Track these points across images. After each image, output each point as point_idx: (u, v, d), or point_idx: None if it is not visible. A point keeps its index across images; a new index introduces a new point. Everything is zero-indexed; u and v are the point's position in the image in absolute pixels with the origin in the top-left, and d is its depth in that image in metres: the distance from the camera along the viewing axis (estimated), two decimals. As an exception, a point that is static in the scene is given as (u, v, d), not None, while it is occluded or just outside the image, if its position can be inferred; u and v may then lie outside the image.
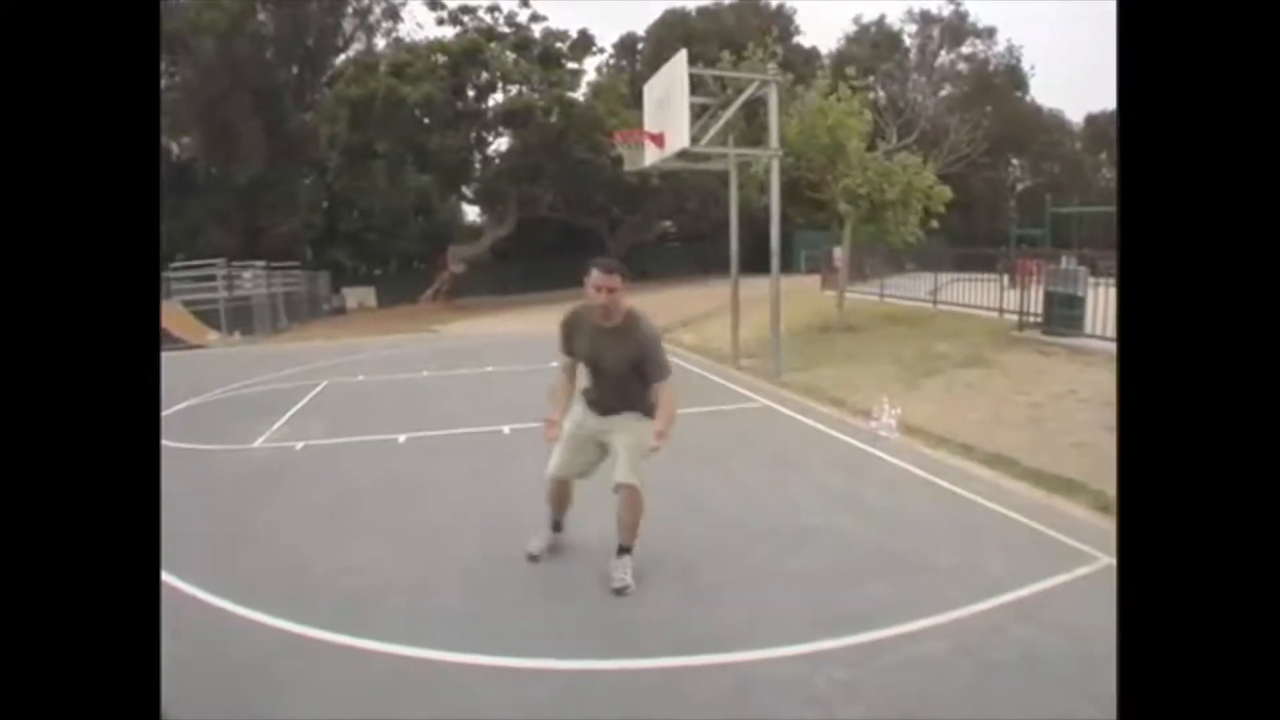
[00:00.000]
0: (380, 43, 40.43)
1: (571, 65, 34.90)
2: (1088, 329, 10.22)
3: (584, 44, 35.84)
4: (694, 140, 10.58)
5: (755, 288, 12.98)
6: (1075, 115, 50.17)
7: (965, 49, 47.57)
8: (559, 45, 34.19)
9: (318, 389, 11.42)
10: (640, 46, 43.40)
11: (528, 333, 18.20)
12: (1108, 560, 4.08)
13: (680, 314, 18.39)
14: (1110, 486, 4.99)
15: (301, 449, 7.59)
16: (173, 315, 20.87)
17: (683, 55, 10.36)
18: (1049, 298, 11.08)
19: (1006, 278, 13.88)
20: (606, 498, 4.13)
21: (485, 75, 33.09)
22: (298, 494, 6.13)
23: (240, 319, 24.37)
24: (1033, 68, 48.99)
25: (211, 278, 24.35)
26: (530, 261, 37.05)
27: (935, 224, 13.82)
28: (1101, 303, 9.88)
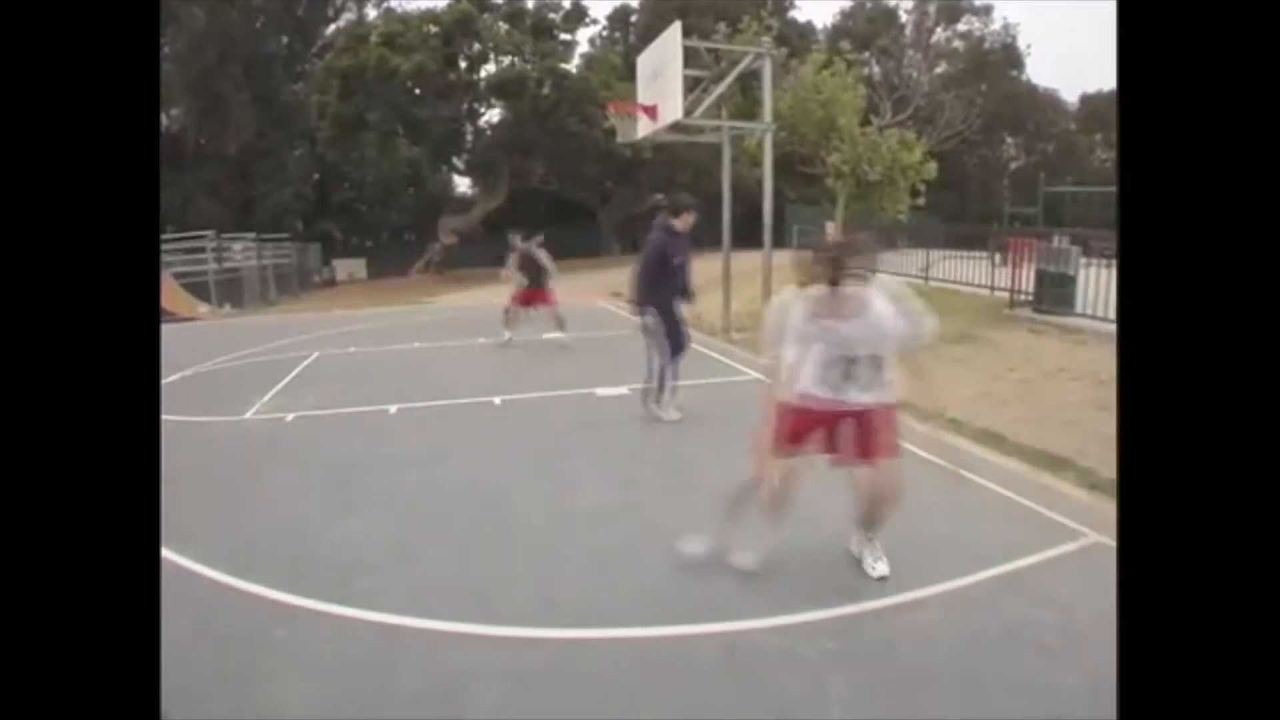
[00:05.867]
0: (371, 13, 39.95)
1: (564, 36, 34.59)
2: (1079, 308, 10.25)
3: (577, 15, 35.51)
4: (687, 113, 10.53)
5: (747, 262, 12.97)
6: (1070, 95, 50.09)
7: (961, 26, 47.37)
8: (552, 16, 33.84)
9: (308, 360, 11.38)
10: (634, 19, 43.05)
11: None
12: (1095, 536, 4.11)
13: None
14: (1099, 464, 5.03)
15: (293, 420, 7.58)
16: (163, 288, 20.70)
17: (677, 27, 10.30)
18: (1041, 276, 11.10)
19: (998, 256, 13.89)
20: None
21: (477, 46, 32.72)
22: (289, 465, 6.13)
23: (230, 291, 24.19)
24: (1028, 46, 49.02)
25: (201, 250, 24.14)
26: (522, 234, 36.83)
27: (922, 200, 13.82)
28: (1093, 282, 9.90)
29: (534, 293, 11.37)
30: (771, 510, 3.80)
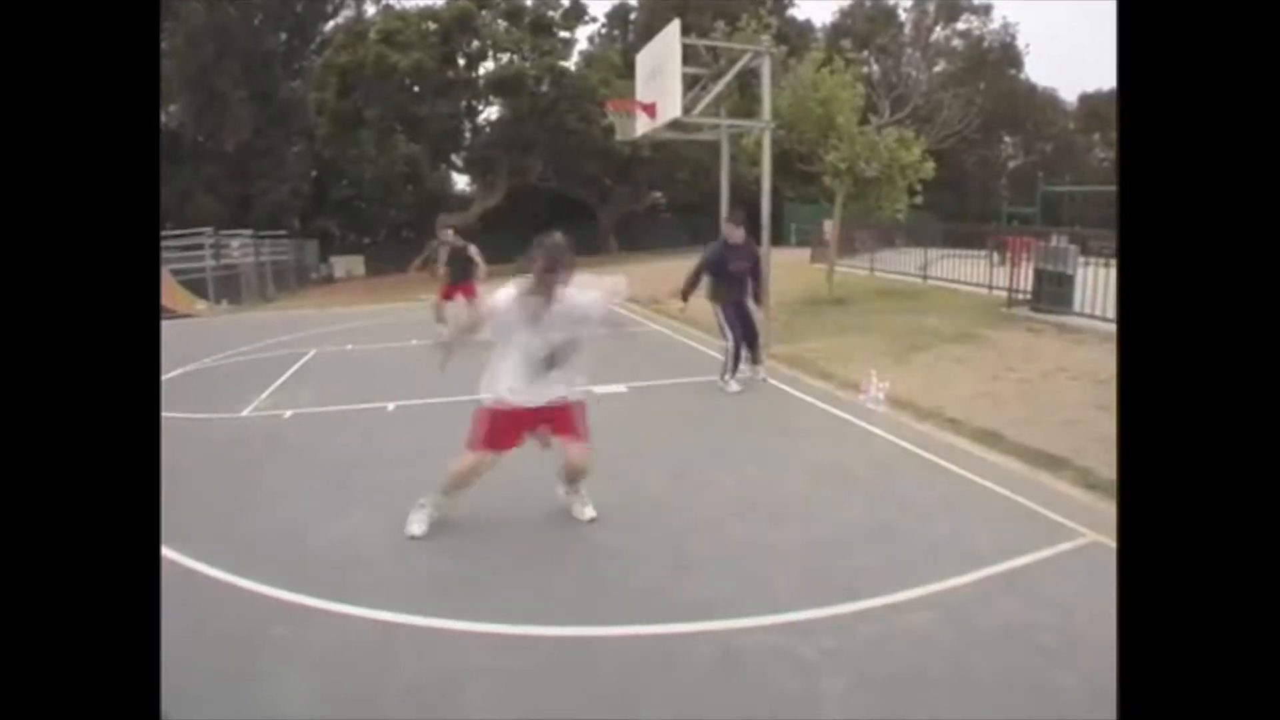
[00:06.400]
0: (370, 9, 39.84)
1: (563, 34, 34.53)
2: (1077, 307, 10.26)
3: (576, 12, 35.45)
4: (686, 111, 10.50)
5: (746, 261, 12.91)
6: (1069, 95, 50.10)
7: (960, 25, 47.35)
8: (550, 13, 33.77)
9: (306, 357, 11.37)
10: (633, 16, 43.00)
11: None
12: (1093, 536, 4.11)
13: (669, 285, 18.23)
14: (1096, 463, 5.03)
15: (290, 417, 7.57)
16: (161, 284, 20.70)
17: (676, 25, 10.27)
18: (1039, 275, 11.11)
19: (996, 254, 13.90)
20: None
21: (476, 43, 32.67)
22: (287, 462, 6.13)
23: (228, 288, 24.15)
24: (1027, 46, 48.95)
25: (199, 246, 24.09)
26: (520, 231, 36.60)
27: (920, 199, 13.83)
28: (1091, 281, 9.92)
29: (456, 286, 11.75)
30: (457, 488, 4.45)
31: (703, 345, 11.26)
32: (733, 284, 8.09)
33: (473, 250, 11.81)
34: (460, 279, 11.77)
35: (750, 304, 8.26)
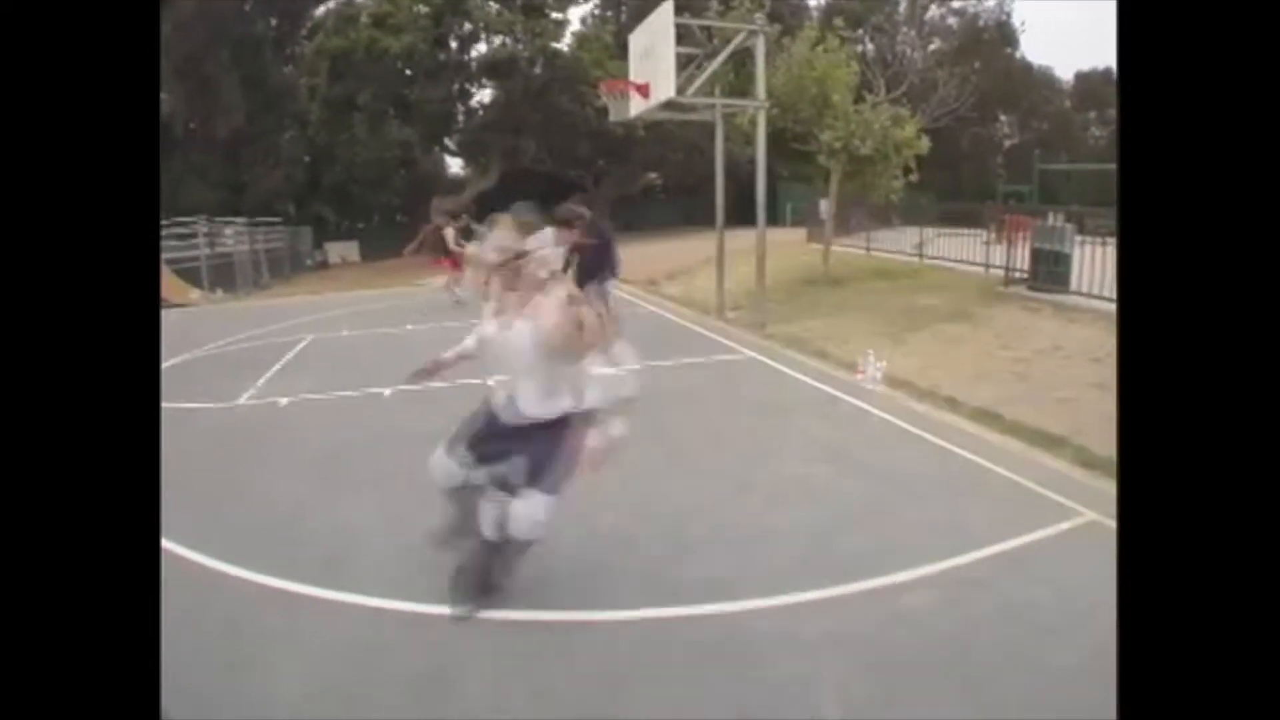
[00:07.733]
0: (360, -8, 39.64)
1: (555, 15, 34.30)
2: (1074, 286, 10.24)
3: (568, -7, 35.24)
4: (680, 91, 10.48)
5: (741, 240, 12.92)
6: (1065, 73, 49.98)
7: (956, 3, 47.12)
8: (543, -6, 33.60)
9: (301, 344, 11.34)
10: (626, -4, 42.77)
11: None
12: (1091, 515, 4.12)
13: (665, 266, 18.33)
14: (1094, 442, 5.03)
15: (286, 404, 7.55)
16: (155, 272, 20.59)
17: (669, 5, 10.21)
18: (1036, 254, 11.08)
19: (992, 233, 13.86)
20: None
21: (468, 25, 32.50)
22: (283, 451, 6.11)
23: (222, 276, 24.02)
24: (1023, 24, 48.75)
25: (193, 235, 23.90)
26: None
27: (915, 177, 13.79)
28: (1088, 260, 9.90)
29: (444, 260, 14.29)
30: None
31: (697, 325, 11.25)
32: (586, 260, 8.94)
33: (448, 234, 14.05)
34: (444, 253, 14.11)
35: (609, 280, 9.08)
